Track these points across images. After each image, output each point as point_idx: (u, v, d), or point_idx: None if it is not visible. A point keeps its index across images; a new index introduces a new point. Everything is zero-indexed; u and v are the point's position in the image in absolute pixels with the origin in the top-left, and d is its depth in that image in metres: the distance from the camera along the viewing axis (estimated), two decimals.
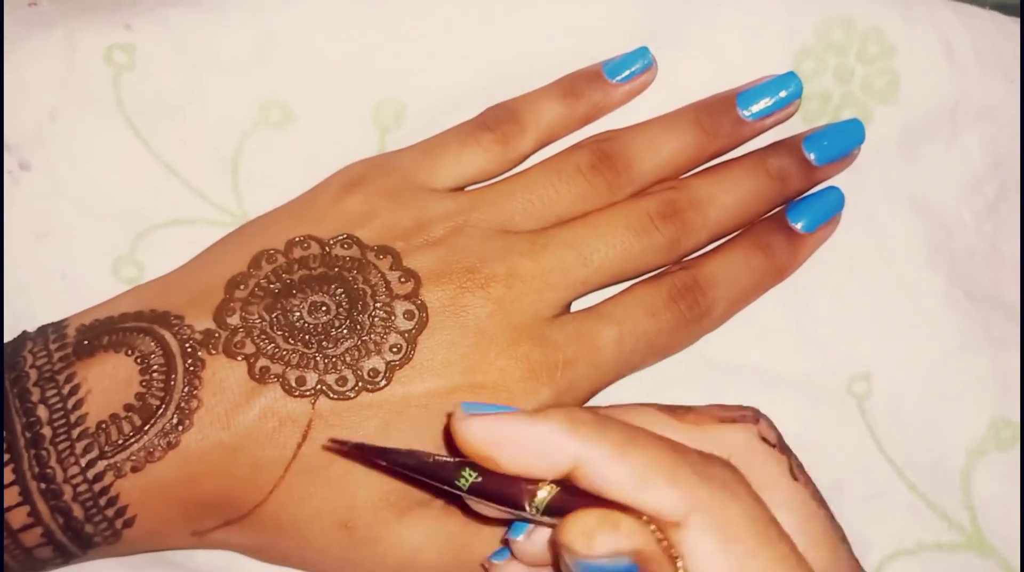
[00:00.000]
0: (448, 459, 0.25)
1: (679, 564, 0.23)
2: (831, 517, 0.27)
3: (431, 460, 0.26)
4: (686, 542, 0.23)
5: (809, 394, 0.38)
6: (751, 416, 0.26)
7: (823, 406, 0.38)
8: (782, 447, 0.26)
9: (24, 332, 0.33)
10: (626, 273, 0.36)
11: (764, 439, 0.26)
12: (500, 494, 0.25)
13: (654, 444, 0.24)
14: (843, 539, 0.27)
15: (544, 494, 0.24)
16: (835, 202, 0.38)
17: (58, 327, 0.33)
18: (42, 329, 0.33)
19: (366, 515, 0.32)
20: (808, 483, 0.26)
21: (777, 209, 0.38)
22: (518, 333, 0.33)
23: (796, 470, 0.26)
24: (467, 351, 0.33)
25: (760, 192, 0.37)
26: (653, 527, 0.23)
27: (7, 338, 0.33)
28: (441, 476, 0.25)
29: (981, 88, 0.39)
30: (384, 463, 0.26)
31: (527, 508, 0.24)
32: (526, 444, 0.24)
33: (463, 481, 0.25)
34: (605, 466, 0.23)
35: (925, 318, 0.39)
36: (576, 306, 0.36)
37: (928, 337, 0.39)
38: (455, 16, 0.39)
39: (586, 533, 0.23)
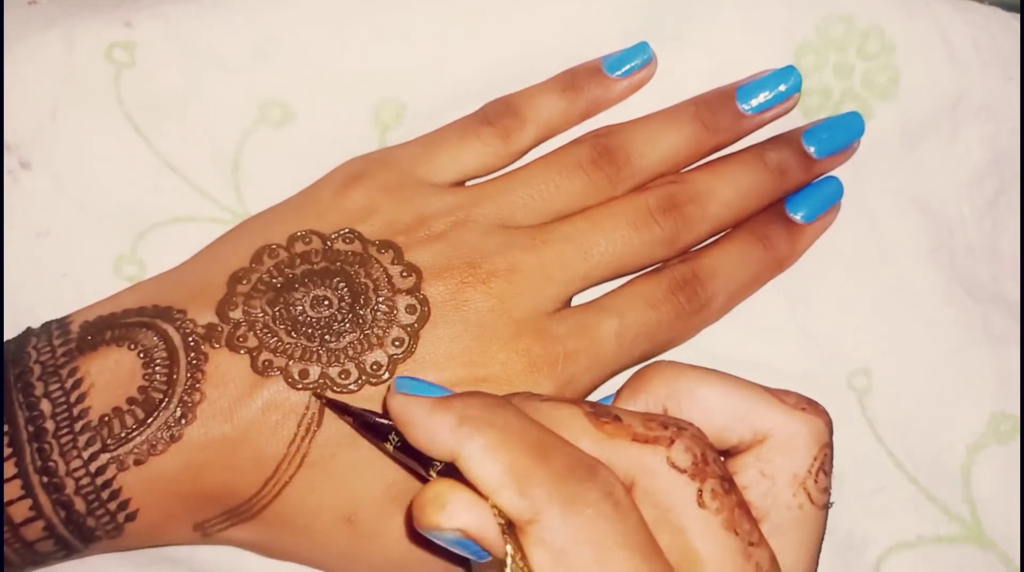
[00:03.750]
0: (385, 422, 0.29)
1: (508, 557, 0.24)
2: (750, 545, 0.26)
3: (372, 420, 0.30)
4: (526, 547, 0.24)
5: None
6: (666, 438, 0.26)
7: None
8: (696, 471, 0.26)
9: (28, 328, 0.33)
10: (626, 267, 0.36)
11: (673, 464, 0.26)
12: (413, 460, 0.28)
13: (522, 450, 0.24)
14: (758, 568, 0.26)
15: (437, 471, 0.27)
16: (833, 192, 0.38)
17: (62, 323, 0.33)
18: (46, 325, 0.33)
19: (369, 509, 0.32)
20: (722, 509, 0.25)
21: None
22: (519, 327, 0.33)
23: (709, 495, 0.25)
24: (469, 345, 0.33)
25: (760, 186, 0.37)
26: (500, 519, 0.24)
27: (9, 338, 0.33)
28: (376, 434, 0.30)
29: (981, 84, 0.39)
30: (345, 415, 0.31)
31: (431, 476, 0.27)
32: (422, 430, 0.26)
33: (390, 443, 0.29)
34: (473, 464, 0.25)
35: (925, 314, 0.39)
36: (577, 301, 0.36)
37: (928, 333, 0.39)
38: (455, 15, 0.39)
39: (419, 505, 0.25)
